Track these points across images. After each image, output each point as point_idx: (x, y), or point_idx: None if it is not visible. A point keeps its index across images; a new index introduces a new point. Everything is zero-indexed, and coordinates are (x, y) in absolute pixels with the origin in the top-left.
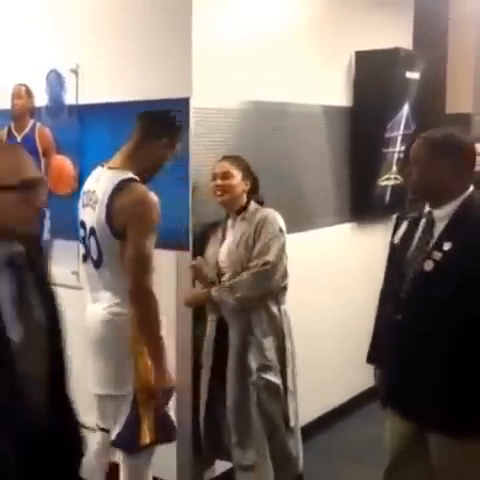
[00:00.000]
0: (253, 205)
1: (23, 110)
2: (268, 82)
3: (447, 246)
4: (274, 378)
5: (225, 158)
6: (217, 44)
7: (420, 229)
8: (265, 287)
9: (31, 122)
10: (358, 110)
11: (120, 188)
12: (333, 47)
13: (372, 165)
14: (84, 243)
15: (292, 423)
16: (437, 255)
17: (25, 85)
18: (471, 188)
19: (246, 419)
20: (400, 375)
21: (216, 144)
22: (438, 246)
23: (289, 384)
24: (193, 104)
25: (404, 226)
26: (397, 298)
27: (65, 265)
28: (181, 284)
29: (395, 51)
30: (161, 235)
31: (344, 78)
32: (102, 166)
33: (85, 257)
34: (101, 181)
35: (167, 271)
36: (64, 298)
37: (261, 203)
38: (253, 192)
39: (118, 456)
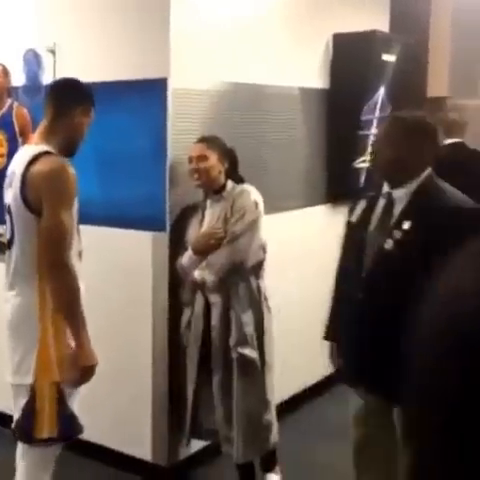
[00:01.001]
0: (230, 184)
1: (0, 89)
2: (246, 64)
3: (407, 225)
4: (249, 352)
5: (200, 140)
6: (195, 25)
7: (379, 209)
8: (234, 258)
9: (8, 102)
10: (335, 92)
11: (34, 160)
12: (310, 29)
13: (348, 147)
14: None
15: (268, 396)
16: (397, 234)
17: (2, 64)
18: (429, 169)
19: (229, 394)
20: (362, 352)
21: (193, 124)
22: (398, 225)
23: (267, 357)
24: (171, 85)
25: (361, 205)
26: (358, 277)
27: None
28: (157, 265)
29: (372, 34)
30: (137, 215)
31: (321, 60)
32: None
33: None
34: (19, 159)
35: (143, 252)
36: None
37: (241, 180)
38: (232, 171)
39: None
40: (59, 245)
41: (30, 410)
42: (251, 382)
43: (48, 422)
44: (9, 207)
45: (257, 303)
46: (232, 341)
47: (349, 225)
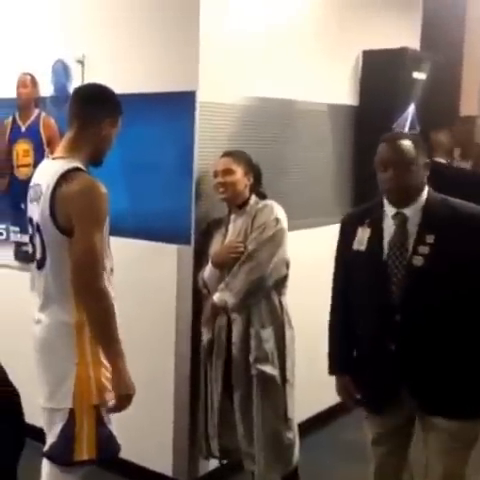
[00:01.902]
0: (254, 199)
1: (28, 100)
2: (274, 79)
3: (430, 239)
4: (270, 369)
5: (226, 154)
6: (224, 39)
7: (390, 230)
8: (252, 276)
9: (36, 112)
10: (364, 109)
11: (64, 178)
12: (340, 45)
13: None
14: (31, 242)
15: (289, 414)
16: (424, 249)
17: (30, 74)
18: (426, 185)
19: (250, 411)
20: (409, 372)
21: (221, 138)
22: (421, 241)
23: (288, 374)
24: (199, 98)
25: (365, 231)
26: (385, 300)
27: None
28: (182, 278)
29: (402, 51)
30: (163, 228)
31: (350, 77)
32: (48, 157)
33: (32, 258)
34: (45, 173)
35: (168, 265)
36: None
37: (264, 196)
38: (256, 185)
39: (45, 466)
40: (92, 269)
41: (69, 434)
42: (271, 399)
43: (88, 444)
44: (38, 225)
45: (279, 319)
46: (252, 358)
47: (347, 253)
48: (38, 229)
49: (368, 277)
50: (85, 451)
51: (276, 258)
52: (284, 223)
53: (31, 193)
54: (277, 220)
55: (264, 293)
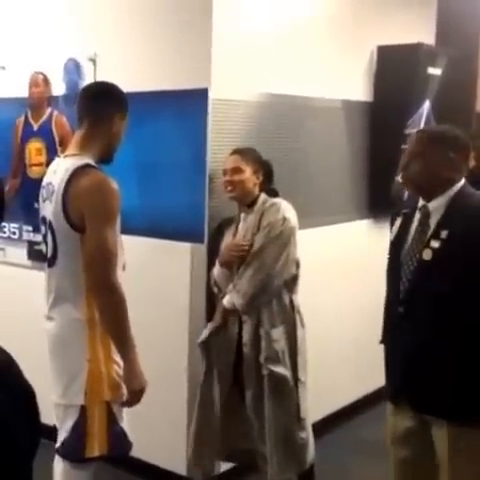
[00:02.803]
0: (263, 197)
1: (40, 98)
2: (288, 75)
3: (444, 234)
4: (281, 369)
5: (235, 152)
6: (237, 35)
7: (415, 222)
8: (259, 276)
9: (48, 110)
10: (378, 105)
11: (75, 175)
12: (354, 41)
13: (391, 161)
14: (45, 241)
15: (302, 414)
16: (435, 243)
17: (42, 73)
18: (462, 181)
19: (261, 411)
20: (407, 366)
21: (233, 135)
22: (436, 235)
23: (300, 374)
24: (211, 95)
25: (398, 222)
26: (396, 291)
27: None
28: (195, 277)
29: (417, 46)
30: (176, 226)
31: (365, 73)
32: (59, 156)
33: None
34: (57, 171)
35: (181, 264)
36: None
37: (276, 194)
38: (267, 183)
39: (57, 464)
40: (105, 265)
41: (81, 430)
42: (283, 399)
43: (99, 441)
44: (50, 223)
45: (290, 318)
46: (262, 358)
47: (390, 244)
48: (50, 227)
49: (389, 268)
50: (96, 447)
51: (283, 257)
52: (292, 222)
53: (43, 192)
54: (284, 219)
55: (274, 293)
